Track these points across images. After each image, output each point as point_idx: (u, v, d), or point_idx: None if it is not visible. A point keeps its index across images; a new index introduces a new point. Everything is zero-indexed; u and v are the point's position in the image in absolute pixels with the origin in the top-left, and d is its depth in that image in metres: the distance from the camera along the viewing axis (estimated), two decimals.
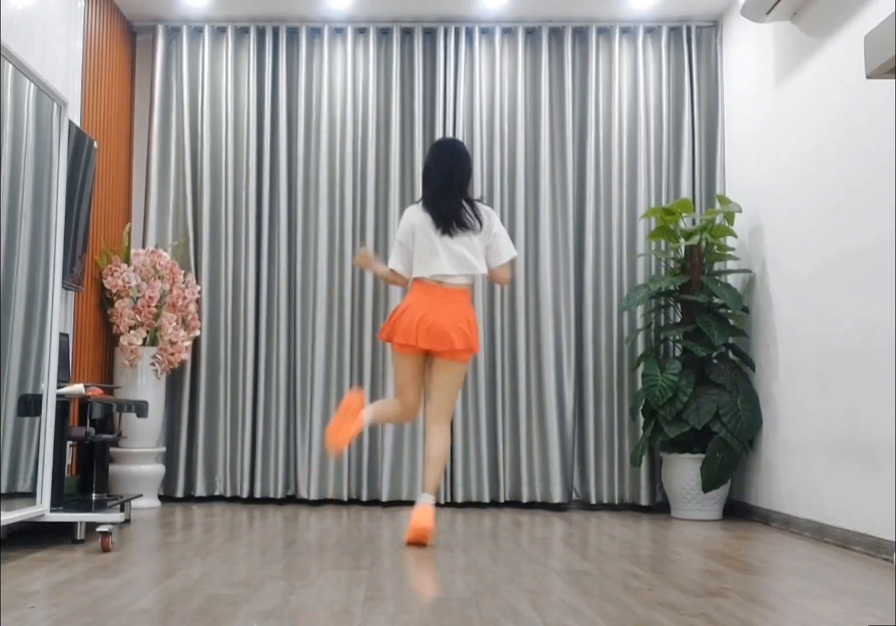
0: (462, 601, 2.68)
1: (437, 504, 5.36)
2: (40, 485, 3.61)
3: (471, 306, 4.05)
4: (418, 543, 3.82)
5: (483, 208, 4.07)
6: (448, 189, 4.03)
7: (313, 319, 5.46)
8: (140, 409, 4.47)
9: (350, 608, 2.55)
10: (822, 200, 4.31)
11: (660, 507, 5.34)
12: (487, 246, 4.05)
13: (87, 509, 3.79)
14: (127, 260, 5.25)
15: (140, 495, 4.61)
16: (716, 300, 5.11)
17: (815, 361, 4.32)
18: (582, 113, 5.64)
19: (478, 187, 5.51)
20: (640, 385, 5.29)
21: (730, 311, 5.09)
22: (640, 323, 5.49)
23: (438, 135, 5.56)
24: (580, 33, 5.68)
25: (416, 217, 4.05)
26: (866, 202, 3.90)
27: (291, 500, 5.48)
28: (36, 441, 3.60)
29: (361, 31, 5.68)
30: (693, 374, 4.99)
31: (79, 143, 4.58)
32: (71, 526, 3.73)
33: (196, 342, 5.47)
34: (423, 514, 3.82)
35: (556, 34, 5.68)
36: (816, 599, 2.81)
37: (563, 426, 5.39)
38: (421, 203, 4.09)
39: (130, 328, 5.12)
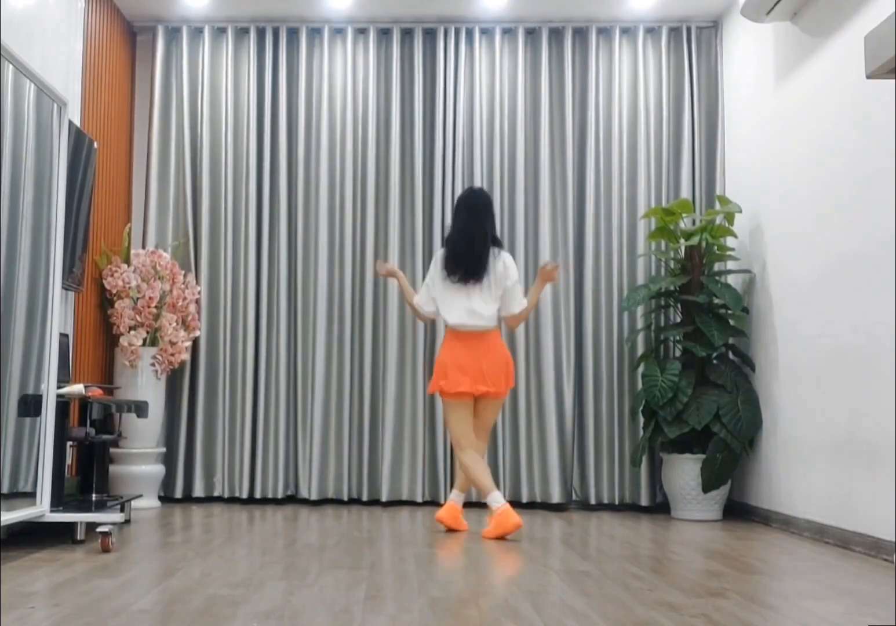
0: (462, 601, 2.68)
1: (438, 505, 5.37)
2: (40, 485, 3.60)
3: (503, 344, 4.39)
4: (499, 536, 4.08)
5: (502, 260, 4.33)
6: (468, 246, 4.30)
7: (313, 319, 5.46)
8: (140, 409, 4.46)
9: (350, 608, 2.55)
10: (822, 200, 4.31)
11: (660, 507, 5.34)
12: (501, 296, 4.35)
13: (87, 510, 3.79)
14: (127, 260, 5.25)
15: (140, 496, 4.61)
16: (716, 301, 5.11)
17: (815, 361, 4.32)
18: (582, 113, 5.64)
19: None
20: (640, 386, 5.29)
21: (730, 311, 5.09)
22: (640, 323, 5.49)
23: (438, 135, 5.55)
24: (580, 33, 5.68)
25: (439, 266, 4.38)
26: (866, 202, 3.90)
27: (291, 500, 5.48)
28: (36, 442, 3.60)
29: (361, 32, 5.68)
30: (693, 374, 4.99)
31: (79, 143, 4.58)
32: (71, 526, 3.73)
33: (196, 343, 5.47)
34: (506, 513, 4.12)
35: (556, 34, 5.68)
36: (816, 599, 2.81)
37: (562, 427, 5.39)
38: (445, 254, 4.37)
39: (130, 329, 5.12)
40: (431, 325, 5.47)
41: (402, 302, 5.46)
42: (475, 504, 5.32)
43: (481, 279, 4.30)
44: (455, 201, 4.54)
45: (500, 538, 4.09)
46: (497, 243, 4.40)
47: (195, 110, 5.65)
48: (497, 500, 4.16)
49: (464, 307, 4.29)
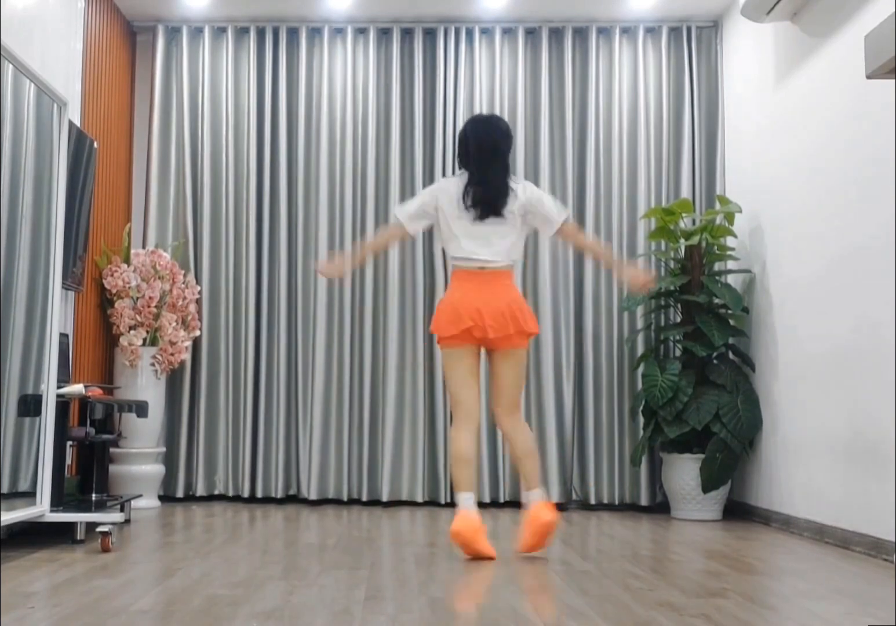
0: (462, 601, 2.68)
1: (439, 504, 5.37)
2: (40, 485, 3.60)
3: (516, 288, 3.74)
4: (537, 545, 3.52)
5: (519, 187, 3.72)
6: (490, 169, 3.69)
7: (313, 319, 5.46)
8: (140, 409, 4.47)
9: (350, 608, 2.55)
10: (822, 200, 4.31)
11: (660, 507, 5.34)
12: (531, 221, 3.74)
13: (87, 510, 3.79)
14: (127, 260, 5.25)
15: (140, 496, 4.61)
16: (716, 301, 5.11)
17: (815, 361, 4.32)
18: (582, 113, 5.64)
19: None
20: (640, 385, 5.28)
21: (730, 311, 5.09)
22: (640, 323, 5.49)
23: (438, 135, 5.55)
24: (580, 34, 5.68)
25: (449, 191, 3.72)
26: (867, 202, 3.90)
27: (292, 500, 5.48)
28: (36, 441, 3.60)
29: (361, 32, 5.68)
30: (693, 374, 4.99)
31: (79, 143, 4.58)
32: (71, 526, 3.73)
33: (196, 342, 5.47)
34: (540, 509, 3.53)
35: (556, 34, 5.68)
36: (816, 599, 2.81)
37: (562, 426, 5.39)
38: (459, 179, 3.74)
39: (130, 328, 5.12)
40: (430, 314, 5.46)
41: (402, 302, 5.46)
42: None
43: (502, 214, 3.67)
44: (465, 131, 3.80)
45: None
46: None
47: (195, 110, 5.65)
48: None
49: (479, 240, 3.67)
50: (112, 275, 5.13)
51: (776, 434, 4.75)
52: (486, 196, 3.68)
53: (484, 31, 5.66)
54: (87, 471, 4.27)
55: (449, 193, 3.73)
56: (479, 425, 3.70)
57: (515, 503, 5.37)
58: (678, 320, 5.37)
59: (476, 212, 3.68)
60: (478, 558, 3.45)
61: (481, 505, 5.36)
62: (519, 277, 5.41)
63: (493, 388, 3.73)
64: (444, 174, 5.53)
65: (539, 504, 3.57)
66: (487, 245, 3.69)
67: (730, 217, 5.11)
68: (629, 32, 5.66)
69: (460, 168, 3.81)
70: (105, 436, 4.29)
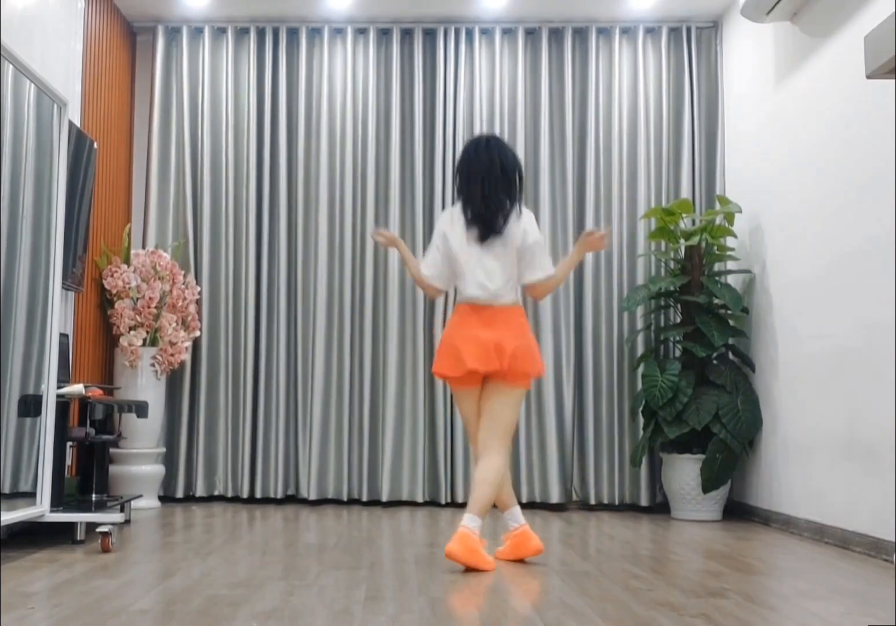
0: (462, 601, 2.68)
1: (439, 504, 5.37)
2: (40, 485, 3.60)
3: (524, 324, 3.53)
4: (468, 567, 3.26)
5: (523, 219, 3.55)
6: (487, 190, 3.51)
7: (313, 319, 5.46)
8: (140, 409, 4.46)
9: (350, 608, 2.55)
10: (822, 200, 4.31)
11: (660, 507, 5.34)
12: (520, 258, 3.54)
13: (87, 510, 3.79)
14: (127, 261, 5.25)
15: (140, 496, 4.61)
16: (716, 301, 5.11)
17: (815, 361, 4.32)
18: (582, 113, 5.64)
19: None
20: (640, 386, 5.28)
21: (730, 311, 5.09)
22: (640, 324, 5.49)
23: (438, 135, 5.55)
24: (580, 34, 5.68)
25: (451, 218, 3.58)
26: (867, 202, 3.90)
27: (291, 500, 5.48)
28: (36, 442, 3.60)
29: (361, 32, 5.68)
30: (693, 374, 4.99)
31: (79, 143, 4.58)
32: (71, 526, 3.73)
33: (196, 343, 5.47)
34: (457, 538, 3.25)
35: (556, 35, 5.68)
36: (816, 599, 2.81)
37: (562, 427, 5.39)
38: (461, 209, 3.56)
39: (130, 329, 5.12)
40: (430, 314, 5.46)
41: (402, 302, 5.46)
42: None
43: (502, 238, 3.49)
44: (461, 159, 3.63)
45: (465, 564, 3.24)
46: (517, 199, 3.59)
47: (195, 110, 5.65)
48: (471, 522, 3.31)
49: (484, 271, 3.49)
50: (112, 275, 5.13)
51: (776, 434, 4.75)
52: (480, 212, 3.50)
53: (484, 32, 5.66)
54: (87, 471, 4.27)
55: (450, 223, 3.56)
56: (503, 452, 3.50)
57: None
58: (678, 320, 5.37)
59: (475, 232, 3.50)
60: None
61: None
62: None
63: (482, 414, 3.52)
64: (443, 174, 5.54)
65: (465, 534, 3.26)
66: (492, 277, 3.49)
67: (730, 217, 5.11)
68: (629, 33, 5.66)
69: (459, 196, 3.60)
70: (105, 436, 4.29)
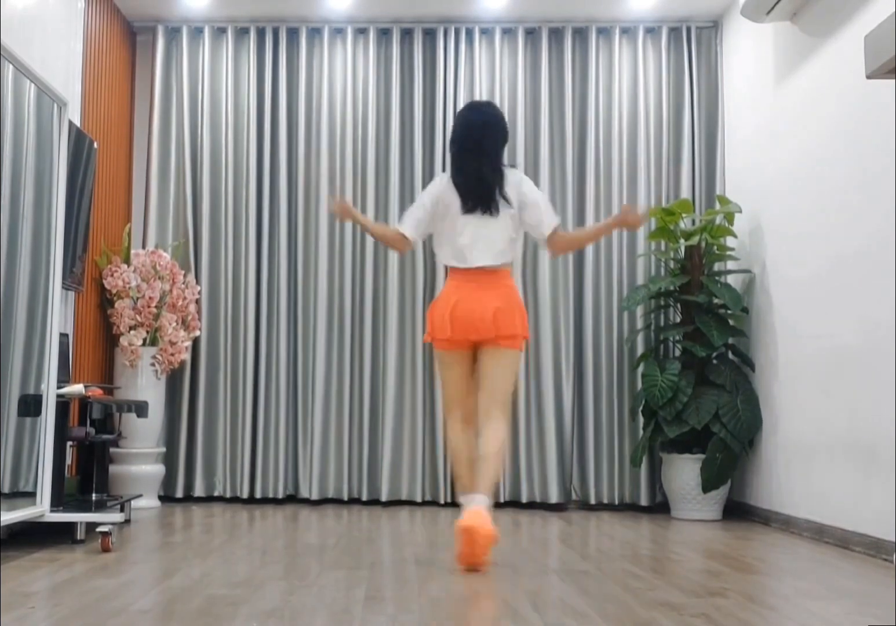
0: (462, 601, 2.68)
1: (438, 504, 5.37)
2: (40, 485, 3.60)
3: (514, 287, 3.56)
4: (472, 559, 3.18)
5: (514, 178, 3.56)
6: (478, 159, 3.52)
7: (314, 318, 5.46)
8: (140, 409, 4.46)
9: (350, 608, 2.55)
10: (822, 200, 4.31)
11: (660, 507, 5.34)
12: (522, 219, 3.54)
13: (87, 510, 3.79)
14: (127, 260, 5.25)
15: (140, 496, 4.61)
16: (716, 301, 5.11)
17: (815, 361, 4.32)
18: (582, 113, 5.64)
19: None
20: (640, 385, 5.28)
21: (730, 311, 5.09)
22: (640, 323, 5.49)
23: (438, 135, 5.55)
24: (580, 34, 5.68)
25: (443, 188, 3.56)
26: (866, 202, 3.90)
27: (292, 500, 5.48)
28: (36, 442, 3.60)
29: (361, 32, 5.68)
30: (693, 374, 4.99)
31: (79, 143, 4.58)
32: (71, 526, 3.73)
33: (196, 343, 5.47)
34: (472, 515, 3.17)
35: (556, 34, 5.68)
36: (816, 599, 2.81)
37: (561, 426, 5.39)
38: (450, 175, 3.57)
39: (130, 329, 5.12)
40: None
41: (401, 302, 5.46)
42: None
43: (497, 209, 3.49)
44: (459, 111, 3.69)
45: (473, 557, 3.18)
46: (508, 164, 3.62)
47: (195, 110, 5.65)
48: (470, 502, 3.28)
49: (479, 238, 3.49)
50: (112, 275, 5.13)
51: (776, 434, 4.75)
52: (469, 185, 3.50)
53: (484, 31, 5.66)
54: (87, 471, 4.27)
55: (442, 187, 3.57)
56: (471, 421, 3.52)
57: (515, 504, 5.38)
58: (678, 320, 5.37)
59: (465, 204, 3.50)
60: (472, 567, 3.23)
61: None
62: (519, 277, 5.41)
63: (479, 382, 3.51)
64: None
65: (476, 511, 3.19)
66: (480, 243, 3.49)
67: (730, 217, 5.11)
68: (629, 32, 5.66)
69: (450, 152, 3.64)
70: (105, 436, 4.29)
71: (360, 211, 5.55)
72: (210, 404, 5.47)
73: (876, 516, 3.73)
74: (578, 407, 5.48)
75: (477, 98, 5.55)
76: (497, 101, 5.56)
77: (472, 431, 3.50)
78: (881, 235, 3.76)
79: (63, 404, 3.83)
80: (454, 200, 3.53)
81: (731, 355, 5.21)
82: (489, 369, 3.47)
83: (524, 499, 5.36)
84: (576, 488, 5.44)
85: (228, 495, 5.41)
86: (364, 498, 5.37)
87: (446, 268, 3.66)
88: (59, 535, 3.84)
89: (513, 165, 3.69)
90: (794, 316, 4.57)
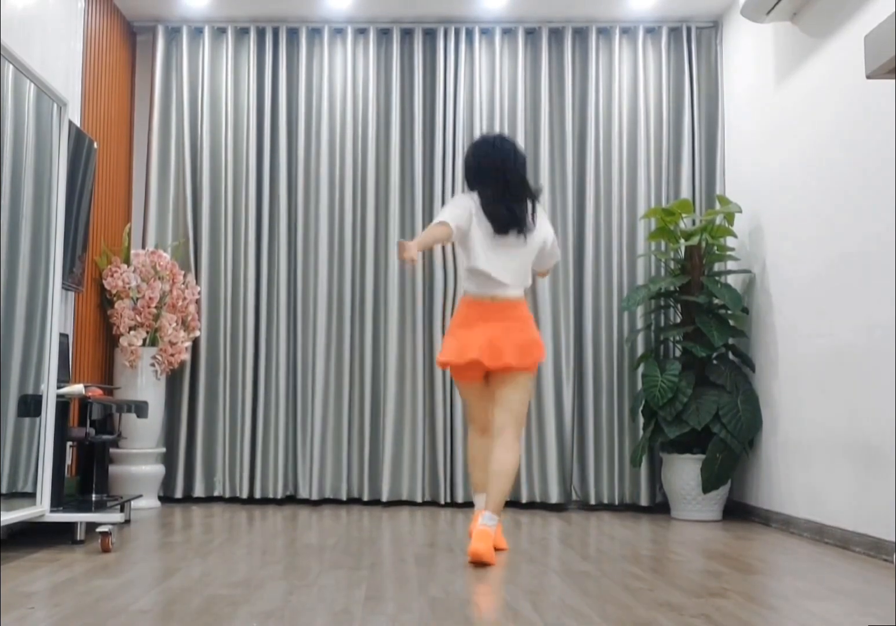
0: (462, 601, 2.68)
1: (438, 504, 5.37)
2: (40, 485, 3.60)
3: (529, 316, 3.68)
4: (478, 563, 3.35)
5: (539, 213, 3.72)
6: (508, 190, 3.63)
7: (313, 319, 5.46)
8: (140, 409, 4.46)
9: (350, 608, 2.55)
10: (822, 200, 4.31)
11: (660, 507, 5.34)
12: (539, 252, 3.73)
13: (87, 510, 3.79)
14: (127, 260, 5.25)
15: (140, 496, 4.61)
16: (716, 301, 5.11)
17: (815, 361, 4.32)
18: (582, 113, 5.64)
19: None
20: (640, 386, 5.28)
21: (730, 311, 5.09)
22: (640, 323, 5.49)
23: (438, 135, 5.55)
24: (580, 34, 5.68)
25: (475, 208, 3.63)
26: (867, 203, 3.90)
27: (291, 500, 5.48)
28: (36, 442, 3.60)
29: (361, 32, 5.68)
30: (693, 374, 4.99)
31: (79, 143, 4.58)
32: (71, 526, 3.73)
33: (196, 343, 5.47)
34: (478, 536, 3.36)
35: (556, 35, 5.68)
36: (816, 599, 2.81)
37: (561, 427, 5.39)
38: (479, 202, 3.63)
39: (130, 329, 5.12)
40: (429, 315, 5.46)
41: (402, 302, 5.46)
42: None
43: (523, 238, 3.63)
44: (473, 146, 3.75)
45: (476, 559, 3.33)
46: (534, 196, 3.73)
47: (195, 110, 5.65)
48: (481, 517, 3.45)
49: (504, 263, 3.60)
50: (112, 275, 5.13)
51: (776, 434, 4.75)
52: (505, 210, 3.60)
53: (484, 32, 5.66)
54: (87, 471, 4.27)
55: (474, 206, 3.64)
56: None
57: (515, 504, 5.37)
58: (678, 320, 5.37)
59: (497, 225, 3.59)
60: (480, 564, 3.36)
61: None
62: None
63: (494, 404, 3.66)
64: (443, 174, 5.53)
65: (483, 531, 3.37)
66: (508, 272, 3.61)
67: (730, 217, 5.11)
68: (629, 33, 5.66)
69: (471, 190, 3.71)
70: (105, 436, 4.29)
71: (360, 211, 5.55)
72: (210, 404, 5.47)
73: (876, 517, 3.73)
74: (578, 407, 5.48)
75: (476, 98, 5.56)
76: (497, 102, 5.57)
77: (489, 438, 3.75)
78: (881, 234, 3.76)
79: (63, 405, 3.83)
80: (486, 226, 3.61)
81: (731, 356, 5.21)
82: (505, 393, 3.62)
83: (524, 499, 5.36)
84: (576, 488, 5.44)
85: (228, 495, 5.41)
86: (364, 498, 5.37)
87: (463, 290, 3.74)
88: (59, 535, 3.84)
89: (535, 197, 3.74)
90: (794, 316, 4.57)
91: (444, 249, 5.46)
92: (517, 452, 3.57)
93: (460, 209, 3.59)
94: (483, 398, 3.74)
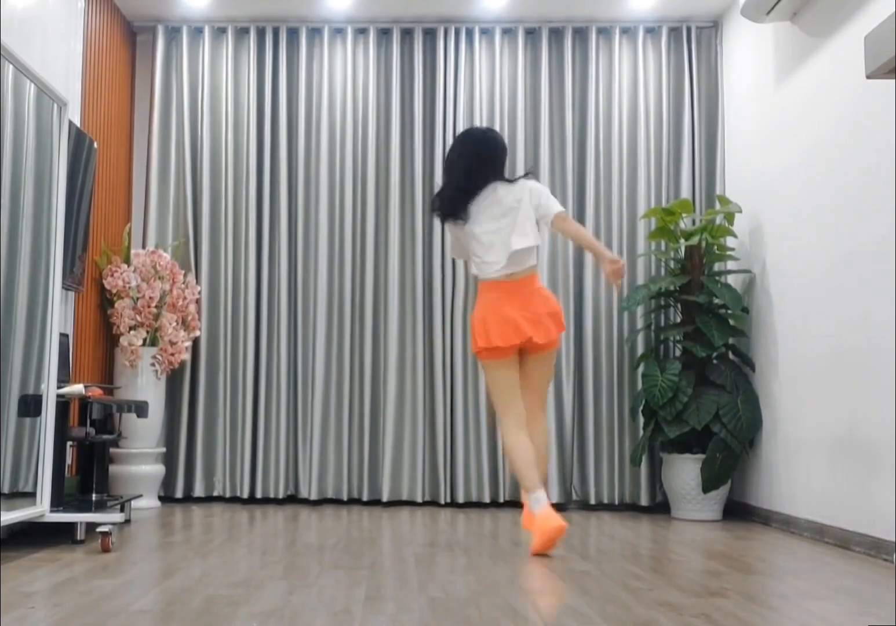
0: (462, 601, 2.68)
1: (438, 504, 5.37)
2: (40, 485, 3.61)
3: (544, 288, 3.85)
4: (545, 550, 3.54)
5: (517, 185, 3.83)
6: (469, 177, 3.84)
7: (314, 319, 5.46)
8: (140, 409, 4.46)
9: (350, 608, 2.55)
10: (822, 200, 4.31)
11: (660, 507, 5.34)
12: (536, 210, 3.81)
13: (88, 510, 3.79)
14: (127, 260, 5.25)
15: (140, 496, 4.61)
16: (716, 301, 5.11)
17: (815, 361, 4.32)
18: (582, 113, 5.64)
19: None
20: (640, 385, 5.28)
21: (730, 311, 5.09)
22: (640, 323, 5.49)
23: (438, 135, 5.55)
24: (580, 34, 5.68)
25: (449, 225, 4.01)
26: (867, 202, 3.90)
27: (292, 500, 5.48)
28: (36, 442, 3.60)
29: (361, 32, 5.68)
30: (693, 374, 4.99)
31: (79, 143, 4.58)
32: (71, 526, 3.73)
33: (196, 343, 5.47)
34: (544, 518, 3.55)
35: (556, 34, 5.68)
36: (816, 599, 2.81)
37: (562, 426, 5.39)
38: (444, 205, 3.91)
39: (130, 329, 5.12)
40: (429, 315, 5.46)
41: (402, 302, 5.47)
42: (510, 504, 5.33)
43: (503, 208, 3.80)
44: (454, 146, 3.97)
45: (545, 549, 3.55)
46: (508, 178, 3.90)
47: (195, 110, 5.65)
48: (538, 501, 3.60)
49: (497, 245, 3.78)
50: (112, 275, 5.13)
51: (776, 434, 4.75)
52: (451, 196, 3.88)
53: (484, 32, 5.66)
54: (87, 471, 4.27)
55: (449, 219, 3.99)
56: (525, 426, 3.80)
57: (516, 503, 5.37)
58: (678, 320, 5.37)
59: (441, 212, 3.91)
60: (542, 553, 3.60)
61: (481, 505, 5.37)
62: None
63: (525, 386, 3.85)
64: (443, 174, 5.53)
65: (547, 514, 3.58)
66: (503, 251, 3.78)
67: (730, 217, 5.11)
68: (629, 32, 5.66)
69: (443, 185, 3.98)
70: (105, 436, 4.29)
71: (360, 211, 5.55)
72: (210, 404, 5.47)
73: (876, 517, 3.73)
74: (578, 407, 5.48)
75: (476, 98, 5.57)
76: (497, 102, 5.57)
77: (526, 431, 3.77)
78: (881, 234, 3.76)
79: (63, 404, 3.83)
80: (469, 212, 3.86)
81: (731, 355, 5.21)
82: (536, 373, 3.85)
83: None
84: (576, 488, 5.44)
85: (228, 495, 5.41)
86: (364, 498, 5.37)
87: (476, 278, 4.05)
88: (59, 535, 3.85)
89: (526, 175, 3.93)
90: (794, 316, 4.57)
91: (443, 250, 5.46)
92: (546, 426, 3.93)
93: (452, 239, 4.02)
94: (517, 381, 3.78)
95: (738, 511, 5.12)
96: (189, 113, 5.61)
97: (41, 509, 3.59)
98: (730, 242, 5.38)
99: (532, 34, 5.69)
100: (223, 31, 5.68)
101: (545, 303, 3.77)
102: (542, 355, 3.82)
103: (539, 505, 3.60)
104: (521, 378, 3.83)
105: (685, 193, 5.55)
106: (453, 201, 3.85)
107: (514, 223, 3.77)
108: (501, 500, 5.38)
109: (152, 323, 5.14)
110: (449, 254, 4.16)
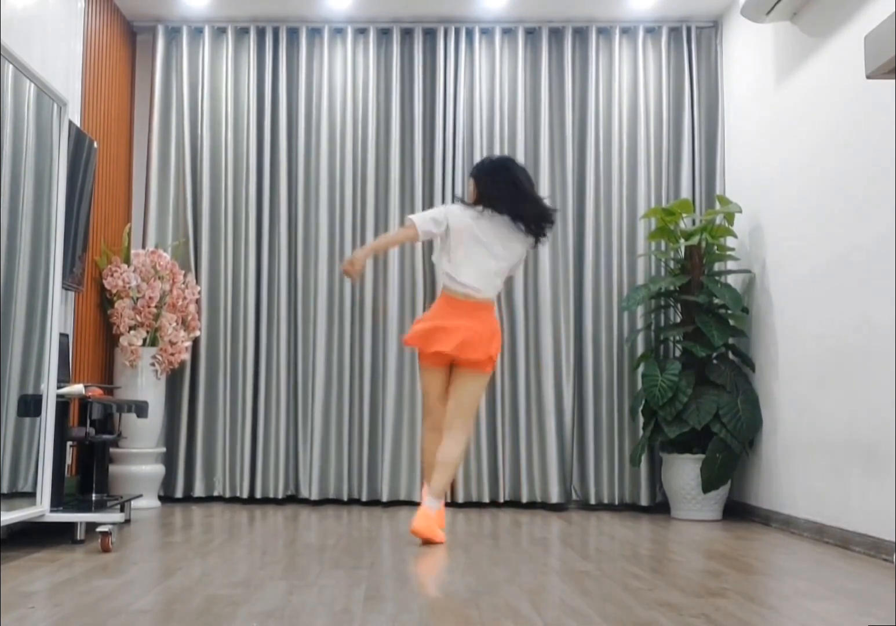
0: (462, 601, 2.68)
1: None
2: (40, 485, 3.60)
3: (495, 319, 4.10)
4: (424, 540, 3.85)
5: (528, 242, 4.17)
6: (524, 195, 4.05)
7: (314, 319, 5.46)
8: (140, 409, 4.46)
9: (350, 608, 2.55)
10: (822, 200, 4.31)
11: (660, 507, 5.34)
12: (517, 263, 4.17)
13: (87, 510, 3.79)
14: (127, 260, 5.25)
15: (140, 496, 4.61)
16: (716, 301, 5.11)
17: (815, 361, 4.32)
18: (582, 113, 5.64)
19: None
20: (640, 385, 5.28)
21: (730, 311, 5.09)
22: (640, 323, 5.49)
23: (438, 135, 5.55)
24: (580, 34, 5.68)
25: (461, 217, 4.02)
26: (867, 202, 3.90)
27: (291, 500, 5.48)
28: (36, 442, 3.60)
29: (361, 32, 5.68)
30: (693, 374, 4.99)
31: (79, 143, 4.57)
32: (71, 526, 3.73)
33: (196, 343, 5.47)
34: (420, 515, 3.88)
35: (556, 34, 5.68)
36: (816, 599, 2.81)
37: (561, 427, 5.39)
38: (471, 209, 4.04)
39: (130, 329, 5.12)
40: None
41: (402, 302, 5.47)
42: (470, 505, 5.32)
43: (512, 248, 4.06)
44: (481, 170, 4.13)
45: (419, 533, 3.83)
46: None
47: (195, 110, 5.65)
48: (423, 498, 3.98)
49: (480, 271, 4.00)
50: (112, 275, 5.13)
51: (776, 434, 4.75)
52: (520, 212, 4.02)
53: (484, 32, 5.65)
54: (87, 471, 4.27)
55: (459, 217, 4.02)
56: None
57: (515, 503, 5.38)
58: (678, 320, 5.37)
59: (504, 227, 4.03)
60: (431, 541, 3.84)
61: (480, 505, 5.37)
62: (519, 278, 5.40)
63: (450, 398, 4.04)
64: (443, 174, 5.53)
65: (424, 512, 3.87)
66: (482, 277, 3.98)
67: (730, 217, 5.11)
68: (629, 33, 5.66)
69: (485, 207, 4.04)
70: (105, 436, 4.29)
71: (360, 210, 5.55)
72: (210, 404, 5.47)
73: (876, 517, 3.73)
74: (578, 407, 5.48)
75: (476, 98, 5.57)
76: (497, 102, 5.57)
77: (438, 435, 4.08)
78: (881, 234, 3.76)
79: (63, 404, 3.83)
80: (471, 234, 3.99)
81: (731, 355, 5.21)
82: (462, 389, 4.01)
83: (524, 499, 5.36)
84: (576, 488, 5.44)
85: (228, 495, 5.41)
86: (364, 498, 5.37)
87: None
88: (59, 535, 3.84)
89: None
90: (794, 316, 4.57)
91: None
92: (464, 445, 4.02)
93: (435, 223, 4.01)
94: (440, 390, 4.06)
95: (738, 511, 5.12)
96: (189, 113, 5.61)
97: (41, 509, 3.59)
98: (730, 242, 5.38)
99: (532, 34, 5.69)
100: (223, 31, 5.68)
101: (487, 325, 3.97)
102: (467, 372, 3.99)
103: (423, 502, 3.93)
104: (450, 390, 4.05)
105: (685, 193, 5.54)
106: (509, 201, 4.00)
107: (503, 269, 4.06)
108: (501, 500, 5.37)
109: (152, 323, 5.14)
110: (435, 258, 4.18)
